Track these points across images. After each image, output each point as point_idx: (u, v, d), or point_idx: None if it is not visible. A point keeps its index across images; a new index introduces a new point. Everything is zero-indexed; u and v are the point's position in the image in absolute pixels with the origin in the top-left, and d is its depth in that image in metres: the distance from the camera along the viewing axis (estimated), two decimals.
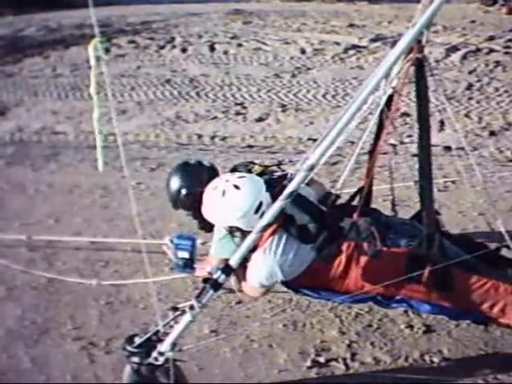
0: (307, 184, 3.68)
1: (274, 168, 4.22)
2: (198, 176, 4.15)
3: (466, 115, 8.22)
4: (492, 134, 7.70)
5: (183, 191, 4.18)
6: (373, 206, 4.21)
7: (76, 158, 7.30)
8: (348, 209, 3.94)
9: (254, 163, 4.29)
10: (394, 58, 3.43)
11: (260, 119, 8.44)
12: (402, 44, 3.41)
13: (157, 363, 3.61)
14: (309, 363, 4.00)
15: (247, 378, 3.94)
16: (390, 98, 3.70)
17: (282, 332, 4.28)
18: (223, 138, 7.95)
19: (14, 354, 4.24)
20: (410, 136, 7.25)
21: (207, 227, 4.11)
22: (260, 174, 4.01)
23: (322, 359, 4.02)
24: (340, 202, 4.15)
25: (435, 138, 7.20)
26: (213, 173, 4.18)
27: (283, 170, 4.10)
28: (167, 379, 3.60)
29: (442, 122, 7.63)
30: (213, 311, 4.45)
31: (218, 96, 9.26)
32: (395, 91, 3.66)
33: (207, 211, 3.78)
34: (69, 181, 6.76)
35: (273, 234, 3.65)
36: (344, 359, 4.01)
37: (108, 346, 4.26)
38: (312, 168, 3.42)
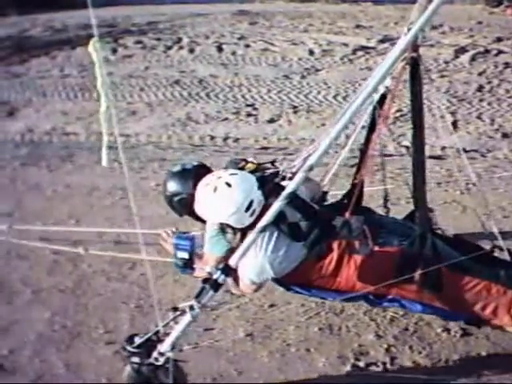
0: None
1: (268, 165, 4.18)
2: (185, 181, 4.08)
3: (478, 117, 8.23)
4: (505, 135, 7.72)
5: (175, 198, 4.14)
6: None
7: (91, 159, 7.20)
8: (340, 207, 3.94)
9: (247, 161, 4.23)
10: (394, 58, 3.44)
11: (271, 120, 8.44)
12: (401, 45, 3.42)
13: (157, 363, 3.62)
14: (348, 367, 3.98)
15: (288, 381, 3.91)
16: (383, 97, 3.70)
17: (319, 336, 4.25)
18: (236, 140, 7.94)
19: (47, 359, 4.19)
20: None
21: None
22: (253, 172, 4.00)
23: (361, 364, 4.00)
24: (333, 200, 4.16)
25: (448, 139, 7.25)
26: (201, 172, 4.06)
27: (276, 168, 4.08)
28: (167, 379, 3.60)
29: (454, 124, 7.67)
30: (246, 314, 4.44)
31: (227, 97, 9.23)
32: (388, 90, 3.66)
33: (199, 207, 3.79)
34: (86, 182, 6.71)
35: None
36: (383, 363, 4.00)
37: None
38: (311, 168, 3.49)
